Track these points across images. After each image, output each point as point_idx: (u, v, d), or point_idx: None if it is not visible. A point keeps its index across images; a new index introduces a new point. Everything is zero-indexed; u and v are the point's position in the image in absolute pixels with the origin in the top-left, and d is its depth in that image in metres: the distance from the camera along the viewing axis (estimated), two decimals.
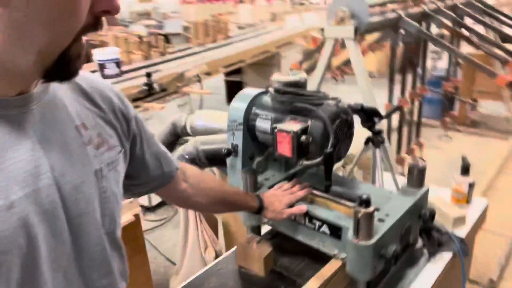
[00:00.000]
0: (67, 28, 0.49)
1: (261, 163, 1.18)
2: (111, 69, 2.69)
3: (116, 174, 0.67)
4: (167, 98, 2.82)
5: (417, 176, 1.03)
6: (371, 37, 3.12)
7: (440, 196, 1.41)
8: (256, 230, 1.14)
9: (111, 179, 0.65)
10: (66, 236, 0.57)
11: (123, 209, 1.70)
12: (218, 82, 5.47)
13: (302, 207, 0.99)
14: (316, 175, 1.20)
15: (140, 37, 3.49)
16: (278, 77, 1.73)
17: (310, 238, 1.01)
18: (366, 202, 0.83)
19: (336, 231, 0.94)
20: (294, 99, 1.02)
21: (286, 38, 4.57)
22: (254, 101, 1.12)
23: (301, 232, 1.03)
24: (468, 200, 1.39)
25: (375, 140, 1.27)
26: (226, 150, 1.14)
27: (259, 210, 1.00)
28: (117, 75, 2.72)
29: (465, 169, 1.37)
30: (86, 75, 0.67)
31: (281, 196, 1.02)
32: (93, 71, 2.84)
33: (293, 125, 0.98)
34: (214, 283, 1.03)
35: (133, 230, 1.69)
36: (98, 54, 2.69)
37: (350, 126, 1.01)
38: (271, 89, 1.09)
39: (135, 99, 2.58)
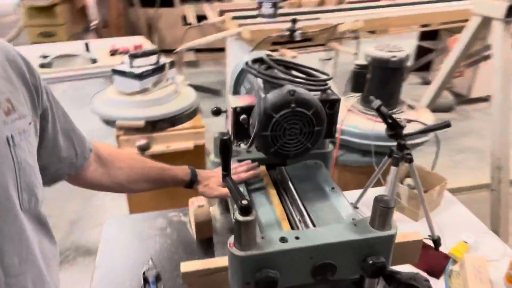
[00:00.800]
0: None
1: None
2: (267, 9, 2.77)
3: (29, 146, 0.59)
4: (310, 49, 2.74)
5: (378, 216, 0.77)
6: None
7: (483, 260, 1.02)
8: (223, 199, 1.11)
9: (26, 150, 0.58)
10: None
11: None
12: (412, 45, 4.84)
13: None
14: (306, 168, 1.05)
15: None
16: (369, 50, 1.48)
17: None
18: (242, 210, 0.71)
19: None
20: (260, 74, 0.88)
21: None
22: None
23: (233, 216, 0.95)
24: None
25: (396, 155, 0.98)
26: (215, 108, 1.10)
27: (191, 184, 0.95)
28: (270, 16, 2.79)
29: None
30: None
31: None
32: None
33: (241, 101, 0.87)
34: (158, 224, 1.10)
35: (194, 158, 1.87)
36: None
37: (310, 122, 0.82)
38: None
39: (274, 43, 2.62)
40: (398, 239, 0.98)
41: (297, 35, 2.58)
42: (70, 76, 2.24)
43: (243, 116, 0.85)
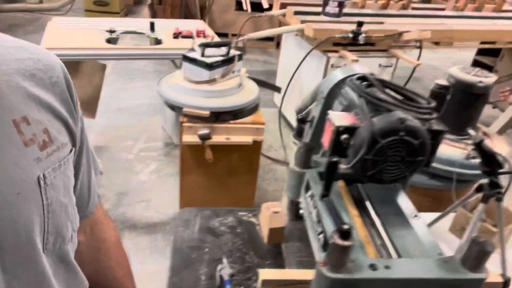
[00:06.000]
0: None
1: None
2: (331, 8, 2.72)
3: (66, 180, 0.53)
4: (371, 54, 2.68)
5: (474, 258, 0.75)
6: None
7: None
8: (294, 204, 1.11)
9: (60, 187, 0.51)
10: None
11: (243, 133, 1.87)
12: (467, 57, 4.66)
13: None
14: (383, 188, 1.03)
15: None
16: (454, 71, 1.44)
17: (312, 236, 0.93)
18: (342, 234, 0.71)
19: (326, 245, 0.84)
20: (367, 95, 0.87)
21: None
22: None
23: (309, 224, 0.95)
24: None
25: (486, 192, 0.95)
26: (300, 116, 1.10)
27: None
28: (334, 15, 2.74)
29: None
30: (27, 45, 0.51)
31: None
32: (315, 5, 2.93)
33: (344, 119, 0.86)
34: (228, 222, 1.12)
35: (250, 153, 1.88)
36: None
37: (414, 151, 0.81)
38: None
39: (335, 44, 2.58)
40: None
41: (361, 39, 2.53)
42: (135, 54, 2.27)
43: (344, 136, 0.84)
